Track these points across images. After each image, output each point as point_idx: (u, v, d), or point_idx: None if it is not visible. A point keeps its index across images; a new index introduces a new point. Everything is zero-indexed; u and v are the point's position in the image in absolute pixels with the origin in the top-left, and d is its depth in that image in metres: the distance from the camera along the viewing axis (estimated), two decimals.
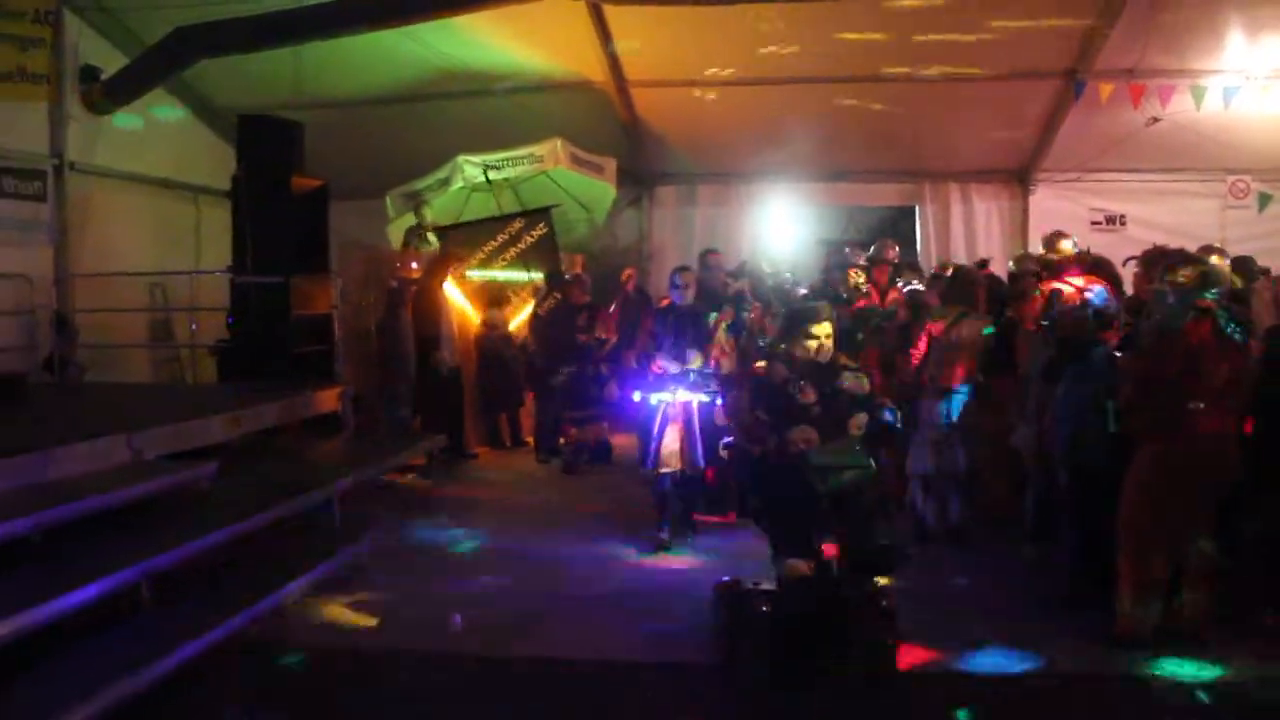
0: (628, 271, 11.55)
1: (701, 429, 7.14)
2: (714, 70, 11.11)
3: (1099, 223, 12.54)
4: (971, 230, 12.86)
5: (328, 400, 8.82)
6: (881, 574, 4.91)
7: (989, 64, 10.79)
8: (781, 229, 12.74)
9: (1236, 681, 4.73)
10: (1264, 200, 12.15)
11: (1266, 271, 8.46)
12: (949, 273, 8.37)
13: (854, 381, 5.18)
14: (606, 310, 10.59)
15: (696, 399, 7.09)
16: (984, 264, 9.20)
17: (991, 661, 5.04)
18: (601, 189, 12.10)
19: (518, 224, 11.46)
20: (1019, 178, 12.85)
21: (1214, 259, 6.57)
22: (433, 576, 6.57)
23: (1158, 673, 4.84)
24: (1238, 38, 10.08)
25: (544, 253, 11.33)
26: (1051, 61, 10.84)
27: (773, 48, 10.53)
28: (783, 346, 5.44)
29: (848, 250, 10.18)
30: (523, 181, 12.01)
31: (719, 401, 6.92)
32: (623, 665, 5.08)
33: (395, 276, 10.35)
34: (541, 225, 11.27)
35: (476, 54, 10.73)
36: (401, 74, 11.16)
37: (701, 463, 7.17)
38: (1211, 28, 10.01)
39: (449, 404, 10.35)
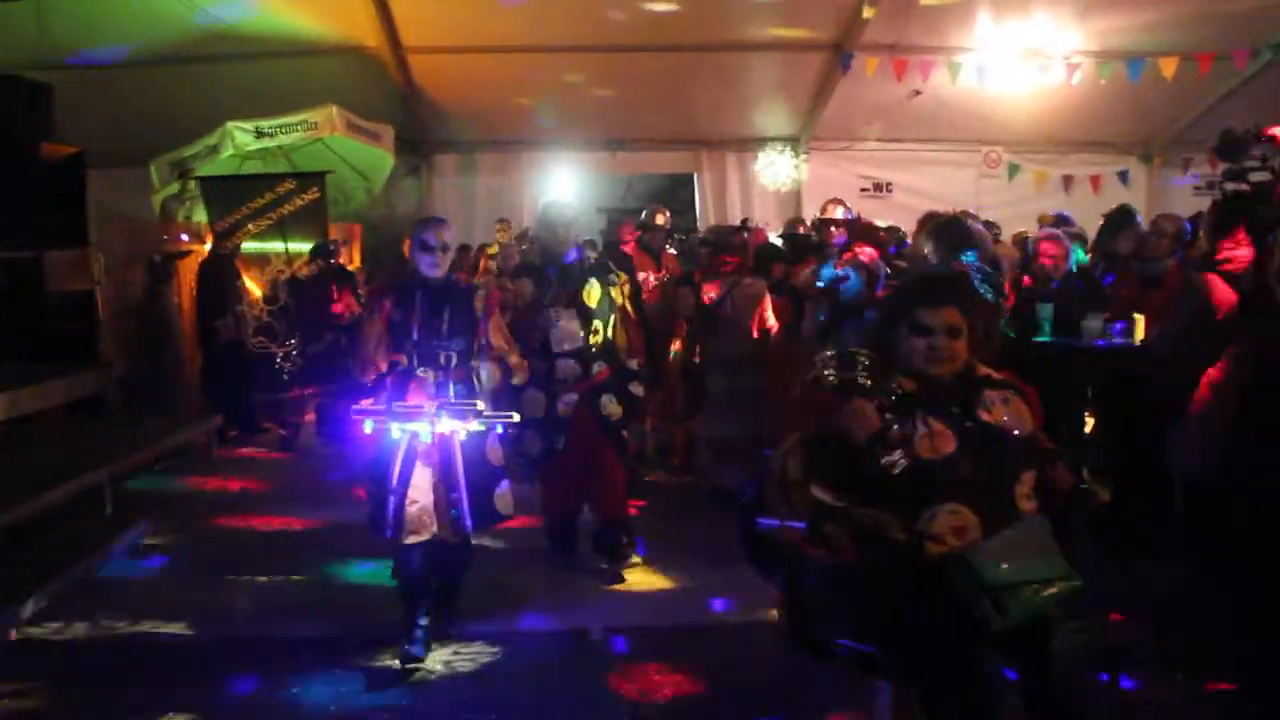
0: (407, 241, 11.30)
1: (469, 473, 4.75)
2: (492, 37, 10.98)
3: (867, 190, 13.17)
4: (748, 197, 13.25)
5: (90, 383, 8.30)
6: None
7: (761, 36, 11.12)
8: (563, 198, 12.75)
9: None
10: (1013, 170, 13.07)
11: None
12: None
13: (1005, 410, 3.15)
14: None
15: (460, 429, 4.64)
16: (743, 224, 9.48)
17: None
18: (379, 157, 11.80)
19: (288, 184, 10.95)
20: (793, 145, 13.30)
21: (969, 223, 6.99)
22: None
23: None
24: (988, 18, 10.72)
25: (311, 220, 10.86)
26: (820, 35, 11.24)
27: (550, 14, 10.51)
28: (862, 363, 3.29)
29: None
30: (297, 149, 11.57)
31: (498, 431, 4.77)
32: None
33: (160, 250, 9.82)
34: (314, 190, 10.82)
35: (244, 15, 10.24)
36: (163, 34, 10.52)
37: (470, 524, 4.74)
38: (965, 8, 10.58)
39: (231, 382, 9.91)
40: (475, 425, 4.65)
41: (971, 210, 10.03)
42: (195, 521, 7.17)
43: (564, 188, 12.88)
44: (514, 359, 4.98)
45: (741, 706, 4.23)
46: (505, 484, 4.90)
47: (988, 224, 8.20)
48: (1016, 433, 3.09)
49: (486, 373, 4.79)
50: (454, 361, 4.71)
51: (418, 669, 4.60)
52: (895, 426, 3.04)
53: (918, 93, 11.52)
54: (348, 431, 4.96)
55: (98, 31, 10.31)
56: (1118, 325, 5.64)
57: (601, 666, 4.63)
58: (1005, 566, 2.84)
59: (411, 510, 4.68)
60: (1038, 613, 2.86)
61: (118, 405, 8.76)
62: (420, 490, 4.71)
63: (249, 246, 10.82)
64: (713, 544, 5.47)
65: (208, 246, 10.55)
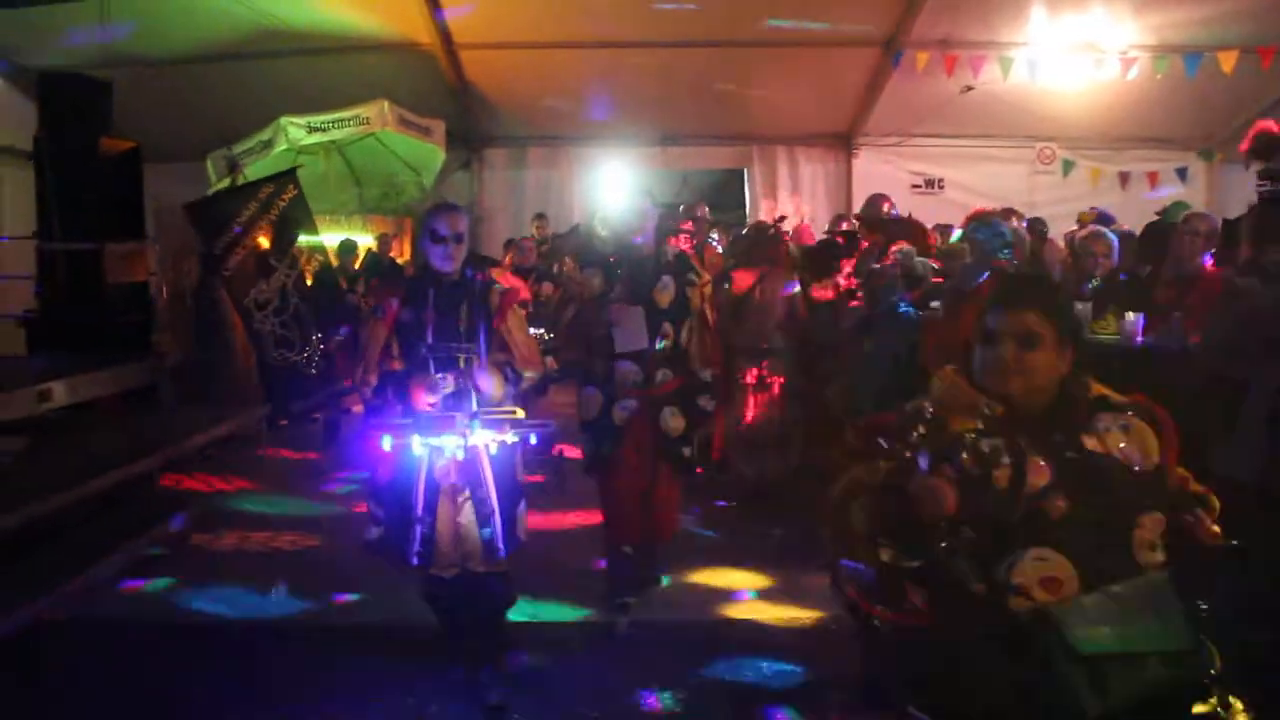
0: None
1: (500, 487, 4.34)
2: (543, 33, 11.06)
3: (919, 186, 13.06)
4: (799, 193, 13.20)
5: (146, 372, 8.50)
6: None
7: (812, 32, 11.08)
8: (614, 192, 12.80)
9: None
10: (1067, 166, 12.88)
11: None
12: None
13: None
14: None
15: (492, 440, 4.24)
16: (781, 220, 9.43)
17: None
18: (430, 151, 11.94)
19: (268, 189, 10.93)
20: (843, 142, 13.23)
21: (1013, 221, 6.95)
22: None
23: None
24: (1041, 12, 10.57)
25: (298, 215, 10.84)
26: (870, 31, 11.16)
27: (599, 9, 10.57)
28: (918, 431, 2.53)
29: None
30: (350, 144, 11.76)
31: (531, 441, 4.35)
32: None
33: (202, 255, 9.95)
34: (291, 187, 10.77)
35: (298, 12, 10.41)
36: (219, 32, 10.73)
37: (504, 550, 4.31)
38: (1017, 2, 10.46)
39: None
40: (510, 436, 4.21)
41: (1023, 207, 10.02)
42: (230, 518, 7.31)
43: (615, 182, 12.89)
44: (521, 359, 4.42)
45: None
46: (522, 505, 4.48)
47: (1034, 221, 8.11)
48: (1137, 466, 2.49)
49: (488, 383, 4.24)
50: (475, 364, 4.24)
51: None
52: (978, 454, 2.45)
53: (969, 88, 11.40)
54: (362, 447, 4.56)
55: (156, 29, 10.54)
56: (1140, 323, 5.55)
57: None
58: (1107, 631, 2.27)
59: (442, 537, 4.23)
60: (1150, 694, 2.28)
61: (170, 395, 8.95)
62: (445, 514, 4.25)
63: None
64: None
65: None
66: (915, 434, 2.47)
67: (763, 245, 7.46)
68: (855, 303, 6.69)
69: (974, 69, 11.04)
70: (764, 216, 12.47)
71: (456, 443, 4.15)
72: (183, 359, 9.60)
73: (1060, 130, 12.62)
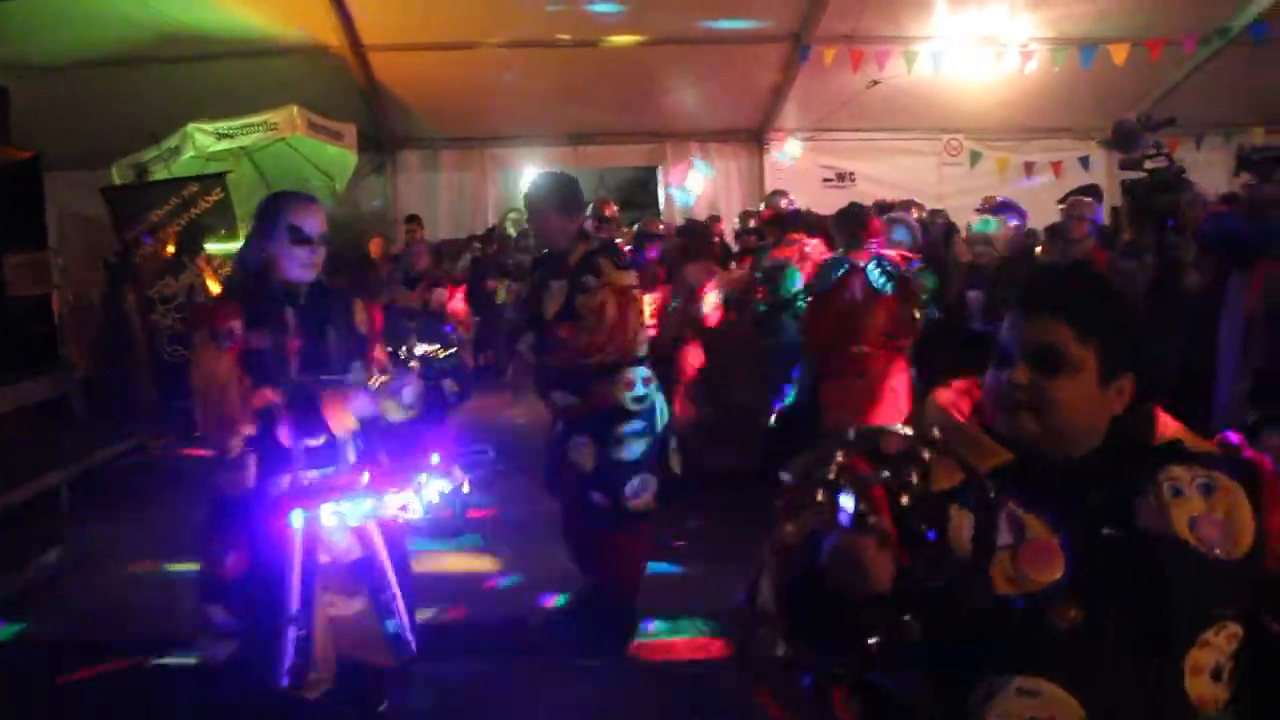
0: (375, 240, 11.38)
1: (396, 561, 3.45)
2: (453, 34, 11.05)
3: (830, 180, 13.26)
4: (713, 188, 13.34)
5: (54, 385, 8.36)
6: None
7: (721, 30, 11.23)
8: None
9: None
10: (975, 157, 13.15)
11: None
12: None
13: None
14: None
15: (390, 506, 3.33)
16: (714, 220, 9.57)
17: None
18: (342, 155, 11.82)
19: (193, 187, 10.75)
20: (755, 137, 13.39)
21: (914, 213, 7.12)
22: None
23: None
24: (943, 6, 10.81)
25: (220, 222, 10.70)
26: (778, 26, 11.32)
27: (509, 10, 10.59)
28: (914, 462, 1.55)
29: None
30: (259, 150, 11.60)
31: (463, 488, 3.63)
32: None
33: (116, 251, 9.80)
34: (217, 190, 10.64)
35: (199, 15, 10.27)
36: (118, 36, 10.55)
37: (414, 643, 3.44)
38: None
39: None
40: (407, 501, 3.32)
41: (932, 198, 10.25)
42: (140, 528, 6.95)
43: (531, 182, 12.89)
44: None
45: None
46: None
47: (934, 213, 8.30)
48: (1219, 552, 1.67)
49: (412, 392, 3.34)
50: (355, 397, 3.27)
51: None
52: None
53: (875, 82, 11.60)
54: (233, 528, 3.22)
55: (52, 33, 10.33)
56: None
57: None
58: None
59: (321, 643, 3.19)
60: None
61: (82, 408, 8.81)
62: (336, 606, 3.28)
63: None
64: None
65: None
66: (831, 468, 1.53)
67: (699, 241, 7.50)
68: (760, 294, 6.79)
69: (879, 63, 11.24)
70: (678, 213, 12.63)
71: (365, 509, 3.26)
72: (93, 372, 9.45)
73: (966, 122, 12.90)
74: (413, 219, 11.71)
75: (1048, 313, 1.72)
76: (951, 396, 1.83)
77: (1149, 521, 1.67)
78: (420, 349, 6.23)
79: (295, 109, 10.79)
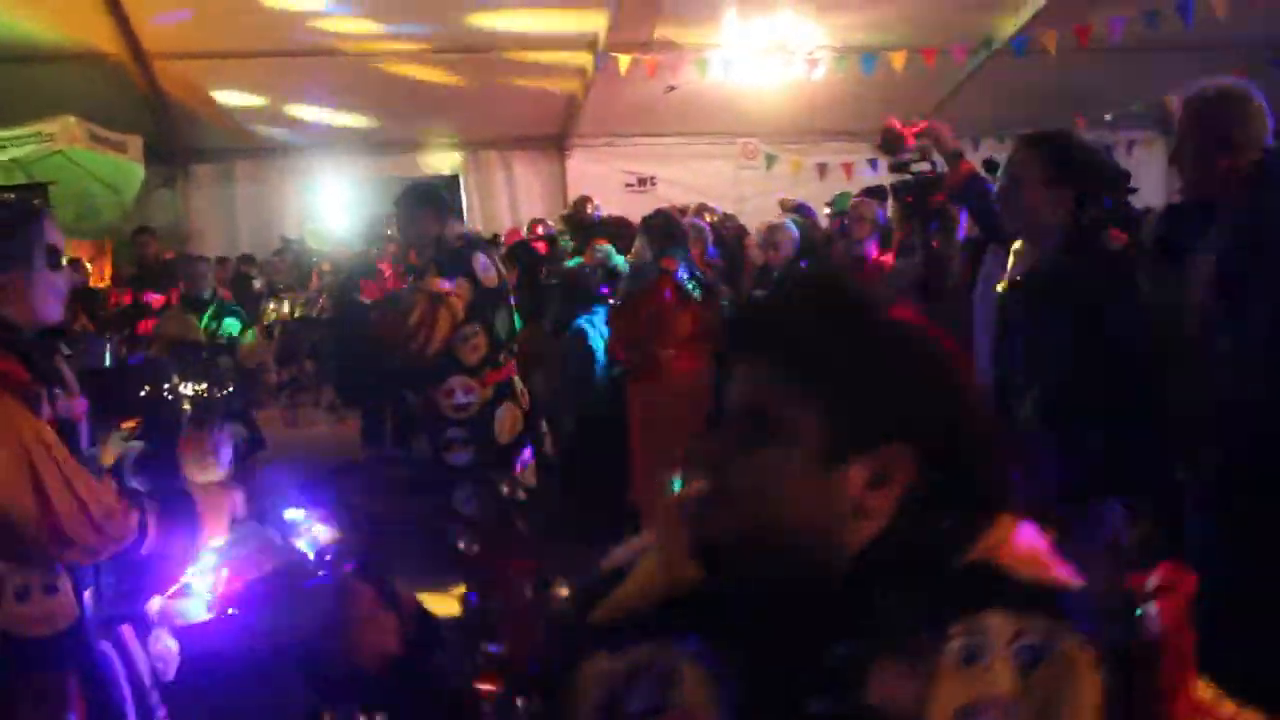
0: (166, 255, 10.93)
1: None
2: (240, 42, 10.72)
3: (632, 184, 13.48)
4: (514, 197, 13.40)
5: None
6: None
7: (516, 37, 11.27)
8: (331, 204, 12.55)
9: None
10: (770, 160, 13.57)
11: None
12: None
13: None
14: None
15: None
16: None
17: None
18: (127, 168, 11.33)
19: (8, 198, 10.24)
20: (556, 144, 13.51)
21: (705, 216, 7.32)
22: None
23: None
24: (732, 16, 11.14)
25: None
26: (574, 34, 11.44)
27: (298, 18, 10.36)
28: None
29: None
30: (34, 162, 10.99)
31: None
32: None
33: None
34: (37, 202, 10.19)
35: None
36: None
37: None
38: (712, 6, 10.99)
39: None
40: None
41: (731, 200, 10.53)
42: None
43: (334, 193, 12.65)
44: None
45: None
46: None
47: (727, 216, 8.54)
48: None
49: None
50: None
51: None
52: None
53: (672, 88, 11.84)
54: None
55: None
56: None
57: None
58: None
59: None
60: None
61: None
62: None
63: None
64: None
65: None
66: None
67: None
68: None
69: (674, 70, 11.50)
70: (481, 221, 12.60)
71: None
72: None
73: (760, 126, 13.28)
74: (144, 231, 10.98)
75: (752, 350, 1.17)
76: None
77: (887, 698, 1.02)
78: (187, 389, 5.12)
79: (73, 119, 10.30)
